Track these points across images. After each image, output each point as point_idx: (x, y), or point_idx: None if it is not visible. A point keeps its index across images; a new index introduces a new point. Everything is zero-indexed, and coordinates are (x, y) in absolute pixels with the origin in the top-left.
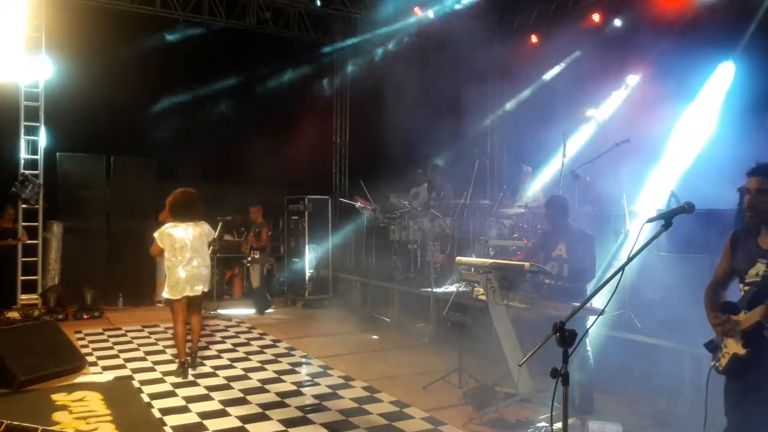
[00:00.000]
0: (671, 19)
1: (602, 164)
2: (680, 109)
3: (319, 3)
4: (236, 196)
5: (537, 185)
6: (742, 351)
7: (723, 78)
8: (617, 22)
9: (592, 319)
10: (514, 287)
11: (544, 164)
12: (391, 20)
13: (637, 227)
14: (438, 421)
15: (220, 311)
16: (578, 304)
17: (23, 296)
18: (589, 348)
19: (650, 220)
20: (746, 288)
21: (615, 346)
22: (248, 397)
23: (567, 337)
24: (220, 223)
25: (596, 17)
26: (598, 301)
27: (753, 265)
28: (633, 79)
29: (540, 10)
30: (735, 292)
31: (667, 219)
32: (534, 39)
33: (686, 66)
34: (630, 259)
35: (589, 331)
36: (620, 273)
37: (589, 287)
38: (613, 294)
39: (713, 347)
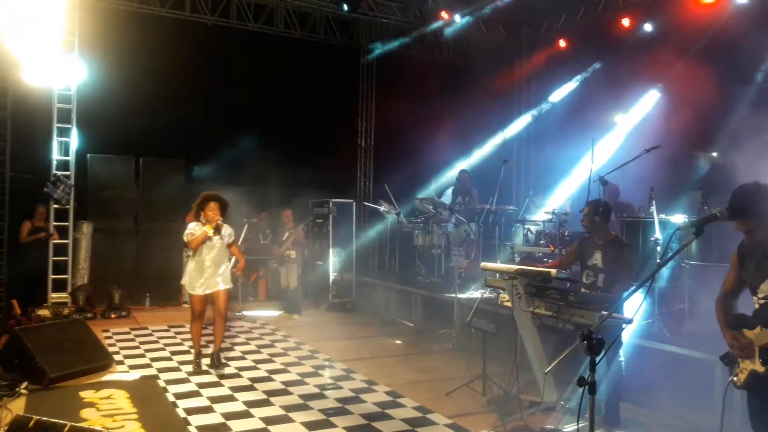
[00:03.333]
0: (704, 23)
1: (632, 171)
2: (711, 114)
3: (346, 8)
4: (261, 199)
5: (564, 192)
6: (761, 369)
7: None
8: (648, 27)
9: (622, 327)
10: (541, 294)
11: (571, 170)
12: (418, 25)
13: (667, 235)
14: (461, 428)
15: (245, 313)
16: (606, 313)
17: (54, 295)
18: (622, 358)
19: (681, 228)
20: (762, 302)
21: (643, 355)
22: (272, 399)
23: (595, 345)
24: (246, 226)
25: (626, 22)
26: (627, 310)
27: (765, 279)
28: (663, 85)
29: (568, 14)
30: (745, 300)
31: (698, 227)
32: (562, 43)
33: (718, 71)
34: (659, 267)
35: (621, 340)
36: (650, 281)
37: None
38: (642, 302)
39: (729, 360)
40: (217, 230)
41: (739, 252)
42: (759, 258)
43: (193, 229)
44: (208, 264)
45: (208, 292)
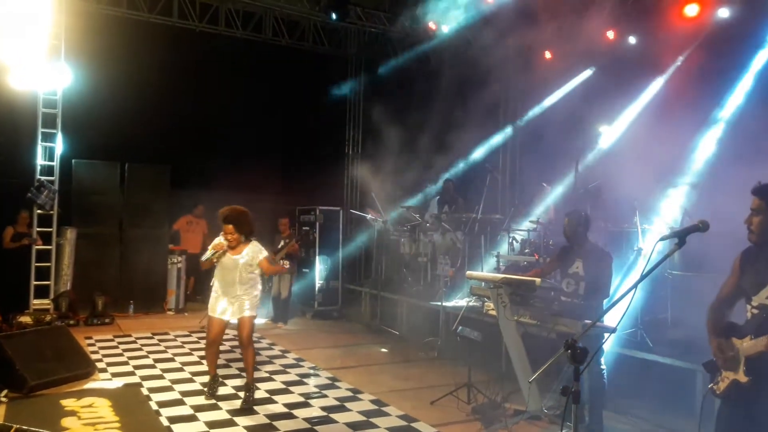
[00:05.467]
0: (687, 36)
1: (615, 181)
2: (695, 125)
3: (334, 17)
4: (247, 206)
5: (549, 201)
6: (743, 379)
7: (738, 95)
8: (631, 40)
9: (604, 336)
10: (525, 303)
11: (556, 180)
12: (406, 35)
13: (650, 245)
14: None
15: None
16: (590, 322)
17: (35, 301)
18: (603, 366)
19: (664, 238)
20: (755, 311)
21: (626, 364)
22: (256, 408)
23: (578, 354)
24: None
25: (610, 34)
26: (609, 319)
27: (763, 287)
28: (647, 96)
29: (554, 26)
30: (739, 311)
31: (680, 237)
32: (548, 55)
33: (701, 83)
34: (643, 277)
35: (602, 348)
36: (633, 291)
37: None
38: (625, 312)
39: (712, 368)
40: (222, 255)
41: (742, 258)
42: (761, 266)
43: (212, 247)
44: (225, 286)
45: (224, 318)
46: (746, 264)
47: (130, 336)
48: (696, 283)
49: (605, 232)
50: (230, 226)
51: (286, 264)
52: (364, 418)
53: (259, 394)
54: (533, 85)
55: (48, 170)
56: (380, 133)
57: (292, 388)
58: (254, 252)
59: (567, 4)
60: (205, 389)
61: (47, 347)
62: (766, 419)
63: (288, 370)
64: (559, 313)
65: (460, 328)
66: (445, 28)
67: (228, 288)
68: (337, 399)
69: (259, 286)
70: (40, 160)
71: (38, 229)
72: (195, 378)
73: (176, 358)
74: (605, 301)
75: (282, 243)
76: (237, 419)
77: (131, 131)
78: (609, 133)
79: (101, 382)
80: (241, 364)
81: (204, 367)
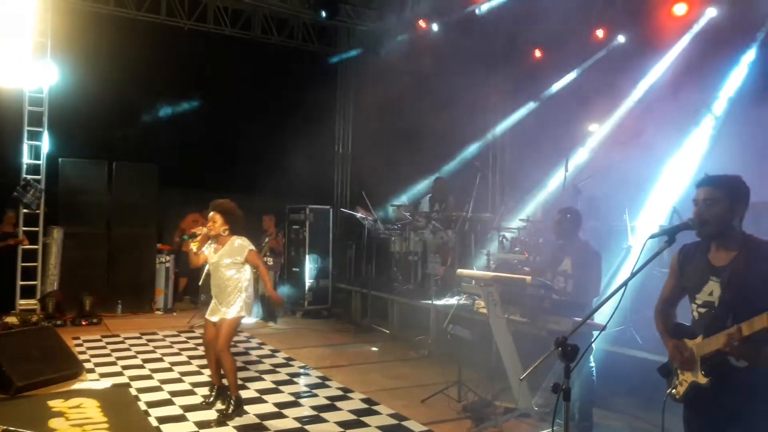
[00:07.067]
0: (675, 35)
1: (605, 179)
2: (684, 124)
3: (324, 14)
4: (237, 205)
5: (538, 199)
6: (703, 381)
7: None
8: (621, 39)
9: (594, 334)
10: (516, 301)
11: (546, 178)
12: (395, 32)
13: (640, 243)
14: None
15: None
16: (580, 319)
17: (22, 301)
18: (592, 364)
19: (653, 236)
20: (701, 310)
21: (615, 361)
22: (246, 408)
23: (569, 351)
24: None
25: (600, 33)
26: (599, 317)
27: (705, 284)
28: (636, 94)
29: (544, 24)
30: (683, 308)
31: (670, 235)
32: (538, 54)
33: (690, 81)
34: (633, 275)
35: (592, 346)
36: (623, 289)
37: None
38: (615, 310)
39: (666, 372)
40: (201, 243)
41: (679, 256)
42: (701, 262)
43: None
44: (215, 287)
45: (212, 318)
46: (685, 263)
47: (118, 336)
48: None
49: (595, 230)
50: (217, 215)
51: (269, 260)
52: (355, 417)
53: (249, 394)
54: (523, 83)
55: (34, 169)
56: (370, 131)
57: (282, 388)
58: (241, 246)
59: (557, 2)
60: (203, 397)
61: (34, 348)
62: (733, 423)
63: (278, 369)
64: (549, 311)
65: (450, 326)
66: (435, 26)
67: (218, 287)
68: (327, 398)
69: (250, 287)
70: (26, 159)
71: (24, 228)
72: (184, 378)
73: (165, 358)
74: (595, 300)
75: (266, 240)
76: (227, 419)
77: (119, 129)
78: (599, 131)
79: (89, 382)
80: None
81: (193, 367)
